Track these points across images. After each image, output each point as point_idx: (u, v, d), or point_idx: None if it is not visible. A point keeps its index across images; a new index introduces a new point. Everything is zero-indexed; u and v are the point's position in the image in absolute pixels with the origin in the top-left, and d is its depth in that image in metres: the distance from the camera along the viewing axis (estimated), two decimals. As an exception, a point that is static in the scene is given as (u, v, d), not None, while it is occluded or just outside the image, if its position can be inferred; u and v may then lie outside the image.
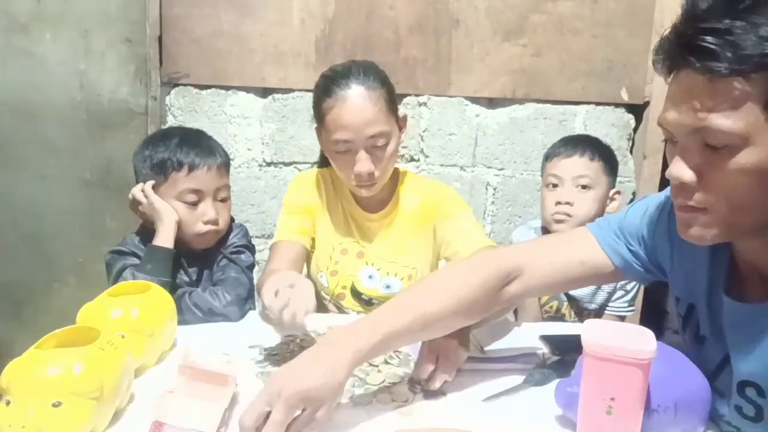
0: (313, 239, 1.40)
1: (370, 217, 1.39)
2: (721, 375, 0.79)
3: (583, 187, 1.49)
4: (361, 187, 1.29)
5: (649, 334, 0.75)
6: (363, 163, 1.24)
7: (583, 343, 0.74)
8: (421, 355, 0.93)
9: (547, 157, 1.58)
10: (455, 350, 0.93)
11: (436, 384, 0.91)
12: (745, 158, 0.64)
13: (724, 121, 0.63)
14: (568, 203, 1.49)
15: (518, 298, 0.97)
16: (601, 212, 1.50)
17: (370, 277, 1.37)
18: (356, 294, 1.38)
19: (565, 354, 1.03)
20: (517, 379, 0.96)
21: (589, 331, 0.75)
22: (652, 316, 1.98)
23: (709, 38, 0.63)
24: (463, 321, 0.91)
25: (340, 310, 1.40)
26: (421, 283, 0.95)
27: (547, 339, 1.11)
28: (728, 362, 0.77)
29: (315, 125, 1.33)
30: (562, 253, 0.94)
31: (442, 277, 0.95)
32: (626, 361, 0.71)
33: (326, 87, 1.25)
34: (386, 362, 1.01)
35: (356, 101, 1.22)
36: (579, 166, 1.50)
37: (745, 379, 0.74)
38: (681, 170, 0.68)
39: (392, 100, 1.29)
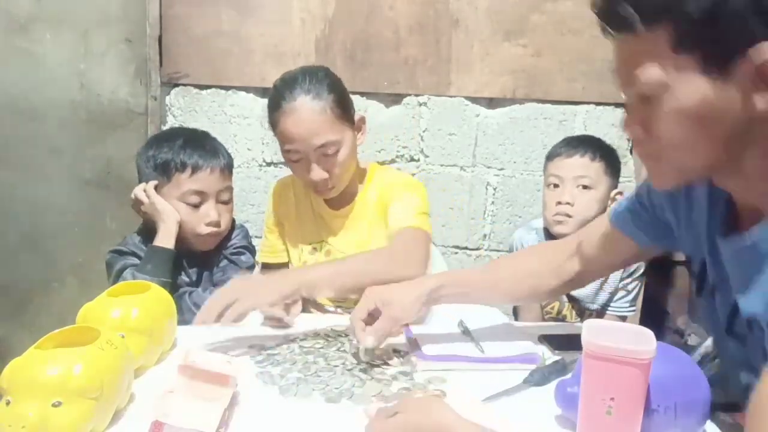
0: (285, 247, 1.45)
1: (337, 213, 1.42)
2: (735, 322, 0.79)
3: (584, 187, 1.50)
4: (318, 192, 1.34)
5: (649, 334, 0.75)
6: (315, 172, 1.28)
7: (583, 343, 0.74)
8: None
9: (549, 157, 1.59)
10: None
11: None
12: (669, 103, 0.68)
13: (642, 73, 0.68)
14: (568, 203, 1.49)
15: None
16: (602, 213, 1.48)
17: None
18: None
19: (565, 354, 1.03)
20: (517, 379, 0.96)
21: (589, 331, 0.75)
22: (652, 316, 1.98)
23: (614, 1, 0.69)
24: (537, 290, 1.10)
25: (317, 306, 1.40)
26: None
27: (547, 339, 1.12)
28: (738, 307, 0.77)
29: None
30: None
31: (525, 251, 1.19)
32: (626, 361, 0.71)
33: (274, 99, 1.29)
34: (386, 363, 1.01)
35: (302, 114, 1.25)
36: (580, 166, 1.50)
37: (750, 318, 0.74)
38: (629, 126, 0.75)
39: (343, 106, 1.30)
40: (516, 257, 1.16)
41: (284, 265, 1.45)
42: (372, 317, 1.01)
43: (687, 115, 0.68)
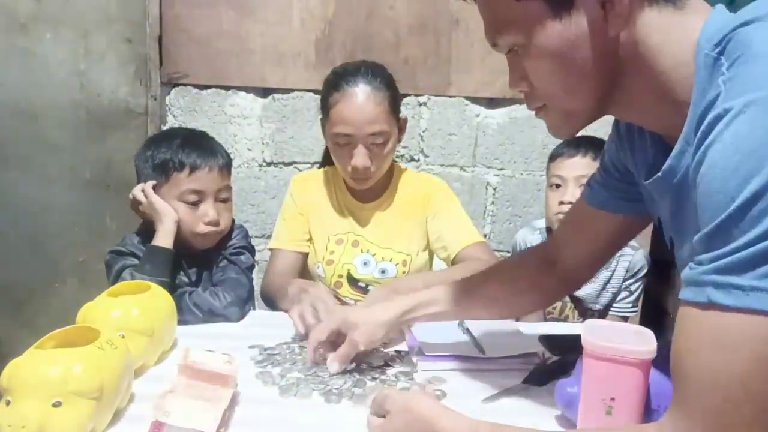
0: (309, 237, 1.46)
1: (365, 206, 1.45)
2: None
3: None
4: (355, 179, 1.36)
5: (649, 334, 0.75)
6: (360, 158, 1.31)
7: (583, 343, 0.74)
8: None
9: (551, 158, 1.59)
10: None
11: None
12: (531, 51, 0.69)
13: (499, 29, 0.72)
14: (571, 203, 1.49)
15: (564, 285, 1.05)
16: None
17: (365, 263, 1.41)
18: (353, 281, 1.42)
19: (565, 354, 1.03)
20: (517, 379, 0.96)
21: (589, 331, 0.75)
22: (652, 316, 1.98)
23: None
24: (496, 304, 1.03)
25: (338, 299, 1.41)
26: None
27: (547, 339, 1.11)
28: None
29: (320, 117, 1.39)
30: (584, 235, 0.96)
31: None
32: (626, 361, 0.71)
33: (335, 82, 1.33)
34: (387, 364, 1.01)
35: (361, 99, 1.29)
36: (582, 166, 1.51)
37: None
38: (512, 82, 0.76)
39: (395, 103, 1.36)
40: (480, 284, 1.03)
41: (301, 256, 1.45)
42: (335, 338, 0.98)
43: (551, 57, 0.68)
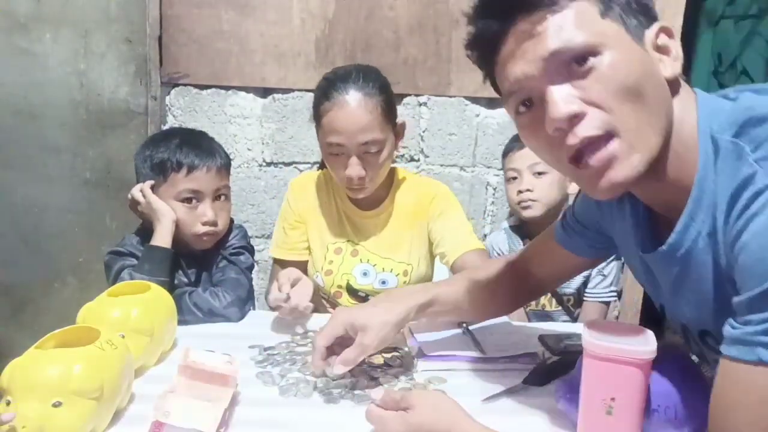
0: (308, 246, 1.44)
1: (365, 214, 1.41)
2: (688, 334, 0.78)
3: (539, 174, 1.58)
4: (351, 189, 1.31)
5: (649, 334, 0.75)
6: (353, 168, 1.26)
7: (583, 343, 0.74)
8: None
9: (504, 154, 1.69)
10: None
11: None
12: (607, 60, 0.64)
13: (575, 37, 0.64)
14: (528, 190, 1.58)
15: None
16: (562, 193, 1.61)
17: (365, 273, 1.39)
18: (352, 291, 1.40)
19: (565, 354, 1.03)
20: (517, 379, 0.96)
21: (589, 331, 0.75)
22: (652, 316, 1.97)
23: None
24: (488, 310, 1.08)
25: (333, 305, 1.41)
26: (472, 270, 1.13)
27: (547, 339, 1.12)
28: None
29: (314, 124, 1.35)
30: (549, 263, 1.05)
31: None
32: (626, 361, 0.71)
33: (325, 90, 1.27)
34: (388, 365, 1.01)
35: (352, 107, 1.24)
36: (531, 154, 1.52)
37: (703, 328, 0.74)
38: (568, 103, 0.64)
39: (390, 107, 1.30)
40: (472, 285, 1.06)
41: (302, 263, 1.43)
42: (340, 343, 0.94)
43: (627, 72, 0.64)
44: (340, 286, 1.40)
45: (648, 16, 0.68)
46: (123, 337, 0.89)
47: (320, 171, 1.49)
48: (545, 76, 0.66)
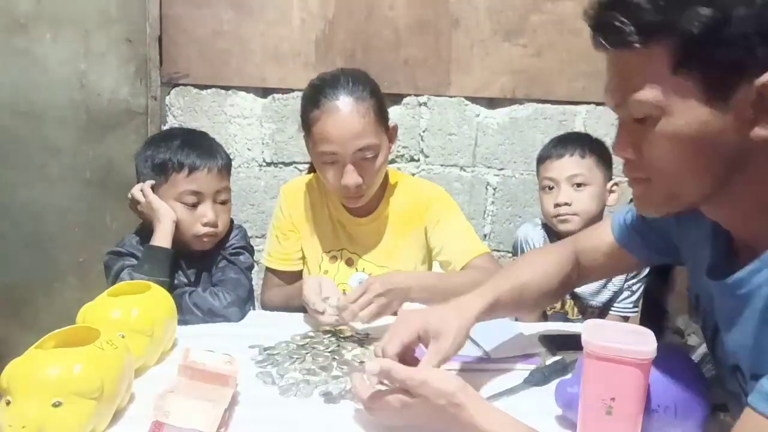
0: (302, 255, 1.41)
1: (359, 221, 1.37)
2: (716, 348, 0.78)
3: (579, 185, 1.50)
4: (348, 198, 1.27)
5: (649, 334, 0.75)
6: (350, 176, 1.21)
7: (583, 343, 0.74)
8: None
9: (540, 160, 1.58)
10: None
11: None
12: (664, 127, 0.65)
13: (638, 93, 0.65)
14: (566, 204, 1.49)
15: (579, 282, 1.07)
16: (601, 206, 1.52)
17: (361, 282, 1.36)
18: None
19: (565, 354, 1.03)
20: (517, 379, 0.96)
21: (589, 331, 0.75)
22: (652, 316, 1.98)
23: (609, 13, 0.65)
24: (547, 296, 1.01)
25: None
26: (520, 258, 1.14)
27: (547, 339, 1.12)
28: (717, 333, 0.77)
29: (303, 134, 1.30)
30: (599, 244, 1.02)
31: (535, 254, 1.12)
32: (626, 361, 0.71)
33: (313, 97, 1.22)
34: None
35: (344, 113, 1.19)
36: (571, 165, 1.50)
37: (732, 363, 0.73)
38: (620, 146, 0.71)
39: (382, 111, 1.26)
40: (528, 265, 1.03)
41: (297, 274, 1.40)
42: (409, 347, 0.86)
43: (682, 140, 0.64)
44: None
45: (734, 72, 0.62)
46: (123, 337, 0.89)
47: (311, 175, 1.44)
48: (617, 113, 0.71)
